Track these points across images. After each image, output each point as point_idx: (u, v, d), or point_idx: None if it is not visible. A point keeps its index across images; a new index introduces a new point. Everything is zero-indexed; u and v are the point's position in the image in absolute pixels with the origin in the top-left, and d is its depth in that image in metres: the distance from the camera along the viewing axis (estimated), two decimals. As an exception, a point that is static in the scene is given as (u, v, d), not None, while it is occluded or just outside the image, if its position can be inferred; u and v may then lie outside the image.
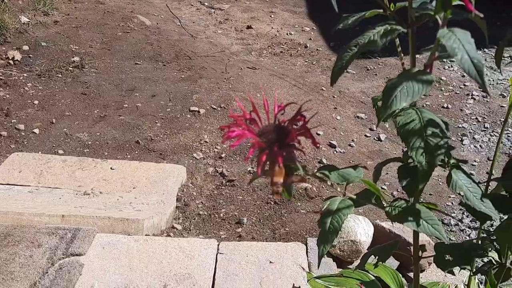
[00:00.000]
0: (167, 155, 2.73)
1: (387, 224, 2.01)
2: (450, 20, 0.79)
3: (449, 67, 3.93)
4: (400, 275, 1.62)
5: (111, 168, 2.49)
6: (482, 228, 1.19)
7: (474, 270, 1.11)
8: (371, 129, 3.12)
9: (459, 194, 0.95)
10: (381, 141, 3.00)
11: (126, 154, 2.72)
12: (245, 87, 3.46)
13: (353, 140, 3.00)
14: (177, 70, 3.64)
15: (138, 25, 4.34)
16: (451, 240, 2.29)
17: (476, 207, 0.90)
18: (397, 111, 0.90)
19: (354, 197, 0.92)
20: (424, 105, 3.45)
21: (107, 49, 3.86)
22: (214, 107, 3.18)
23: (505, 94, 3.54)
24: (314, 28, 4.66)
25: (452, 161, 0.94)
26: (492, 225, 2.15)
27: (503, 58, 3.91)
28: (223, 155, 2.74)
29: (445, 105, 3.42)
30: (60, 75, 3.43)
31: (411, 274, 1.82)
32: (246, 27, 4.56)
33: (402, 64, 0.95)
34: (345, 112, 3.30)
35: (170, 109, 3.13)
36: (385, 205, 0.94)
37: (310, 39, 4.42)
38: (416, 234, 1.06)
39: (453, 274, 1.03)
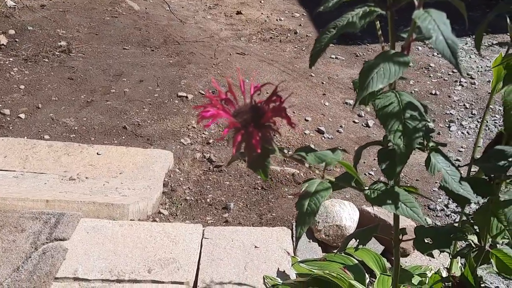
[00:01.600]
0: (154, 140, 2.72)
1: (372, 209, 2.02)
2: (434, 3, 0.78)
3: (438, 54, 3.93)
4: (384, 259, 1.63)
5: (97, 154, 2.48)
6: (465, 212, 1.20)
7: (455, 253, 1.11)
8: (359, 115, 3.12)
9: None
10: (369, 127, 3.01)
11: (113, 140, 2.70)
12: (233, 73, 3.44)
13: (341, 126, 3.00)
14: (165, 55, 3.61)
15: (126, 9, 4.29)
16: (437, 225, 2.31)
17: (454, 189, 0.90)
18: (379, 93, 0.89)
19: (333, 179, 0.92)
20: (413, 91, 3.45)
21: (95, 34, 3.81)
22: (202, 92, 3.16)
23: (493, 81, 3.55)
24: (304, 14, 4.63)
25: (431, 144, 0.94)
26: (477, 209, 2.17)
27: (492, 45, 3.91)
28: (210, 141, 2.73)
29: (433, 92, 3.43)
30: (46, 60, 3.39)
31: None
32: (235, 12, 4.52)
33: (382, 48, 0.94)
34: (334, 98, 3.30)
35: (157, 94, 3.11)
36: (365, 188, 0.94)
37: (300, 25, 4.39)
38: (396, 217, 1.06)
39: (432, 256, 1.03)
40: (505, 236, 0.93)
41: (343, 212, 1.94)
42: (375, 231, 1.09)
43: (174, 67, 3.43)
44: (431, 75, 3.65)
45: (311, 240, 1.90)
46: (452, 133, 3.03)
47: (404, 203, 0.90)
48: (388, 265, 1.73)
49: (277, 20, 4.45)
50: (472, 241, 1.06)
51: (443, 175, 0.91)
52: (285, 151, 0.80)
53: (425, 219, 2.37)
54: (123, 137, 2.72)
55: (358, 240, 1.10)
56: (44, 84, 3.12)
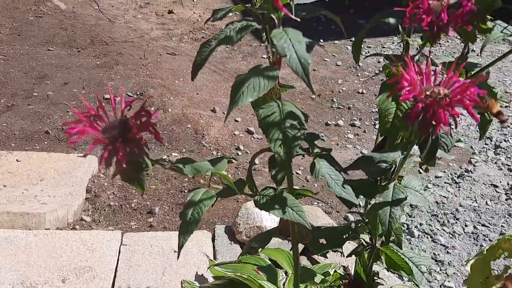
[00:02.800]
0: (79, 145, 2.65)
1: (292, 209, 2.06)
2: (320, 16, 0.82)
3: (366, 53, 4.06)
4: (303, 257, 1.68)
5: (17, 160, 2.39)
6: (360, 212, 1.26)
7: (350, 252, 1.17)
8: (287, 115, 3.18)
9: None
10: (296, 126, 3.07)
11: (35, 145, 2.62)
12: (163, 74, 3.41)
13: (270, 126, 3.04)
14: (92, 56, 3.52)
15: (52, 9, 4.15)
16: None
17: (337, 193, 0.94)
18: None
19: (221, 187, 0.94)
20: (341, 90, 3.55)
21: (17, 35, 3.67)
22: (130, 94, 3.12)
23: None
24: (238, 13, 4.65)
25: (316, 150, 0.98)
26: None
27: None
28: (137, 144, 2.70)
29: (360, 91, 3.54)
30: (-36, 62, 3.24)
31: (315, 257, 1.90)
32: (167, 11, 4.48)
33: (268, 58, 0.97)
34: (263, 98, 3.34)
35: (83, 97, 3.04)
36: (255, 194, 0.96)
37: (233, 25, 4.41)
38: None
39: (325, 257, 1.08)
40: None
41: (264, 213, 1.98)
42: (274, 235, 1.12)
43: (101, 69, 3.36)
44: (359, 74, 3.76)
45: (232, 242, 1.92)
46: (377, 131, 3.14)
47: (291, 208, 0.93)
48: (306, 263, 1.79)
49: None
50: (364, 240, 1.11)
51: (327, 179, 0.95)
52: (168, 159, 0.81)
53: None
54: (46, 143, 2.64)
55: (258, 244, 1.13)
56: (-39, 88, 2.98)
